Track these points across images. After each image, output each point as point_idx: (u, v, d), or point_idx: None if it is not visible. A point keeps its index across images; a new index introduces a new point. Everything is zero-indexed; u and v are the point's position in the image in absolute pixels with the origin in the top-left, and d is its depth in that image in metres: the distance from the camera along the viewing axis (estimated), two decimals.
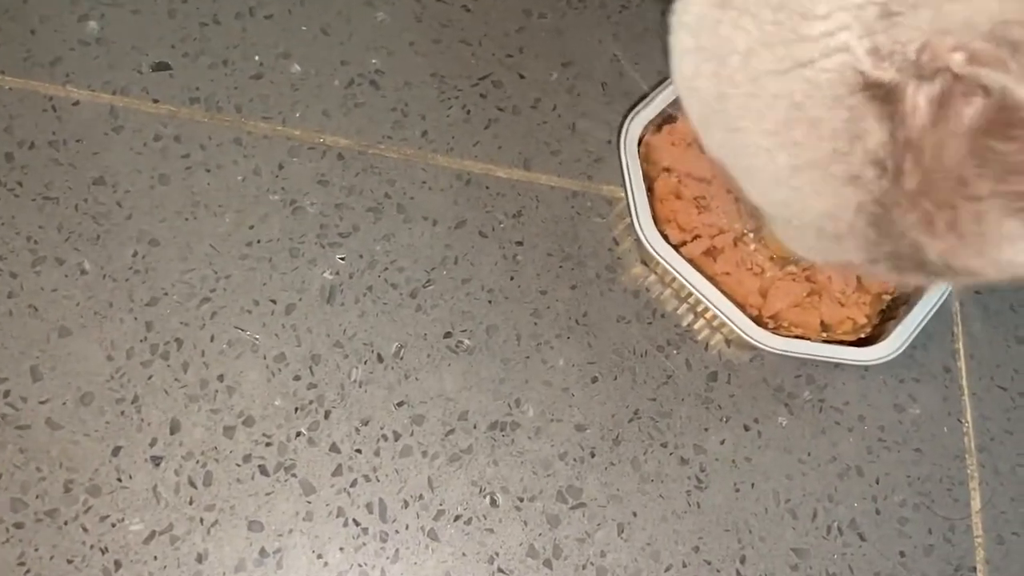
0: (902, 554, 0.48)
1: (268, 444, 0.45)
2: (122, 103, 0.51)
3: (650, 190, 0.51)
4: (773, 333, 0.47)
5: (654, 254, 0.48)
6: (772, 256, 0.50)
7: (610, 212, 0.54)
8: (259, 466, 0.45)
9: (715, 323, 0.50)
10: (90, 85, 0.51)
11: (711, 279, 0.48)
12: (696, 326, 0.51)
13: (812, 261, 0.38)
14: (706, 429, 0.49)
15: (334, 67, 0.54)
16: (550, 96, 0.56)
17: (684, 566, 0.46)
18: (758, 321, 0.48)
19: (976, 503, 0.50)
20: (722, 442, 0.49)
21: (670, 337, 0.51)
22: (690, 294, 0.48)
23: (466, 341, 0.49)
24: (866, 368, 0.51)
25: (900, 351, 0.47)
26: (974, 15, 0.23)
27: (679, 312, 0.52)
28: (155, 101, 0.52)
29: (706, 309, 0.48)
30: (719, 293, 0.47)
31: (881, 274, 0.31)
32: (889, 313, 0.50)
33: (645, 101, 0.52)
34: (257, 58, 0.54)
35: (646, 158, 0.52)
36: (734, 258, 0.50)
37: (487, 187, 0.53)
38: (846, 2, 0.25)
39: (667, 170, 0.52)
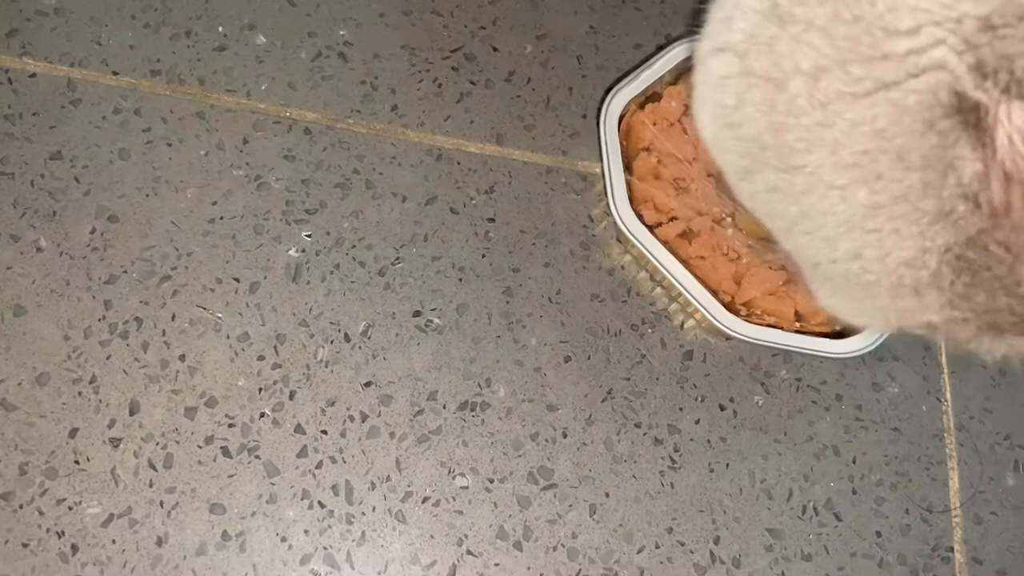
0: (878, 534, 0.47)
1: (231, 425, 0.44)
2: (80, 75, 0.50)
3: (628, 169, 0.50)
4: (745, 320, 0.46)
5: (628, 235, 0.47)
6: (750, 243, 0.49)
7: (585, 188, 0.52)
8: (221, 448, 0.44)
9: (689, 308, 0.49)
10: (47, 57, 0.50)
11: (685, 263, 0.47)
12: (671, 309, 0.50)
13: (880, 330, 0.34)
14: (681, 409, 0.48)
15: (301, 39, 0.53)
16: (524, 69, 0.55)
17: (657, 547, 0.45)
18: (730, 307, 0.47)
19: (954, 483, 0.49)
20: (697, 422, 0.48)
21: (645, 316, 0.50)
22: (664, 277, 0.47)
23: (436, 320, 0.48)
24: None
25: (875, 346, 0.46)
26: None
27: (654, 292, 0.50)
28: (115, 73, 0.50)
29: (680, 293, 0.47)
30: (692, 278, 0.46)
31: (969, 336, 0.27)
32: None
33: (629, 78, 0.51)
34: (221, 29, 0.52)
35: (626, 136, 0.50)
36: (710, 242, 0.49)
37: (458, 162, 0.52)
38: (938, 15, 0.22)
39: (647, 149, 0.51)
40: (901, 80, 0.23)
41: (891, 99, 0.24)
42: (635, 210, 0.48)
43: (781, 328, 0.46)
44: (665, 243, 0.48)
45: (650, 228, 0.48)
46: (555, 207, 0.52)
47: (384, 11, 0.54)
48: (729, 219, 0.50)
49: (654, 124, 0.51)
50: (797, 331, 0.47)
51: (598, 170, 0.53)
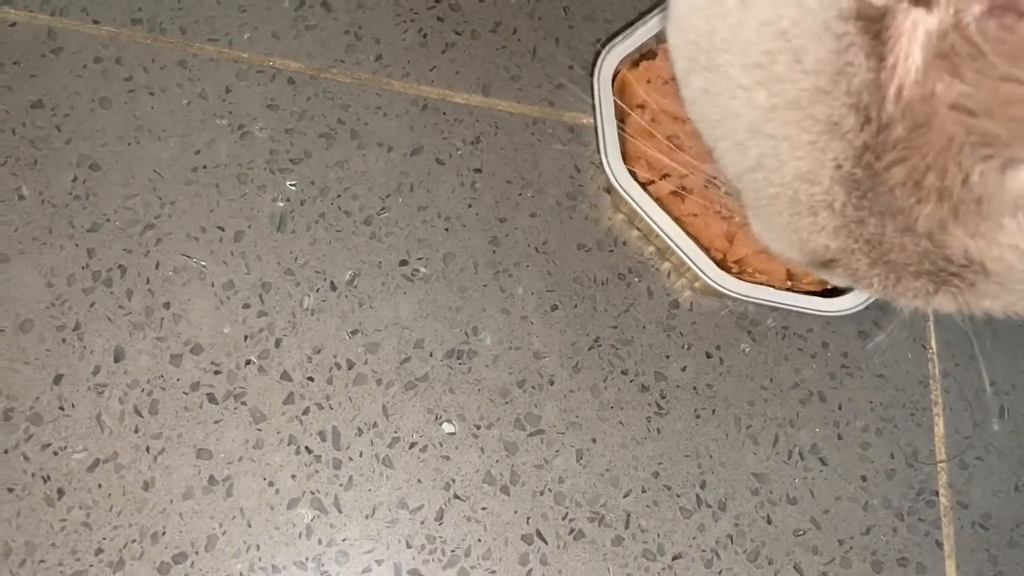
0: (863, 478, 0.48)
1: (217, 372, 0.44)
2: (61, 24, 0.49)
3: (621, 126, 0.49)
4: (736, 278, 0.46)
5: (622, 192, 0.47)
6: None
7: (572, 139, 0.52)
8: (207, 394, 0.44)
9: (681, 268, 0.49)
10: (27, 6, 0.49)
11: (678, 220, 0.47)
12: (662, 267, 0.50)
13: (793, 256, 0.34)
14: (667, 356, 0.48)
15: None
16: (510, 20, 0.54)
17: (643, 491, 0.46)
18: (722, 265, 0.46)
19: (940, 429, 0.49)
20: (683, 369, 0.48)
21: (632, 265, 0.50)
22: (656, 236, 0.47)
23: (422, 269, 0.48)
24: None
25: (865, 305, 0.46)
26: None
27: (641, 243, 0.50)
28: (95, 22, 0.49)
29: (672, 252, 0.47)
30: (684, 235, 0.46)
31: (864, 271, 0.27)
32: None
33: (624, 34, 0.50)
34: None
35: (620, 93, 0.50)
36: (703, 199, 0.49)
37: (444, 113, 0.51)
38: None
39: (641, 107, 0.50)
40: None
41: (794, 1, 0.23)
42: (628, 167, 0.48)
43: (772, 287, 0.46)
44: (658, 200, 0.47)
45: (643, 185, 0.48)
46: (541, 158, 0.51)
47: None
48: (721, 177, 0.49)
49: (647, 82, 0.51)
50: (788, 289, 0.47)
51: (585, 121, 0.53)
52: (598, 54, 0.49)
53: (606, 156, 0.47)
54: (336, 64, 0.51)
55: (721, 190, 0.49)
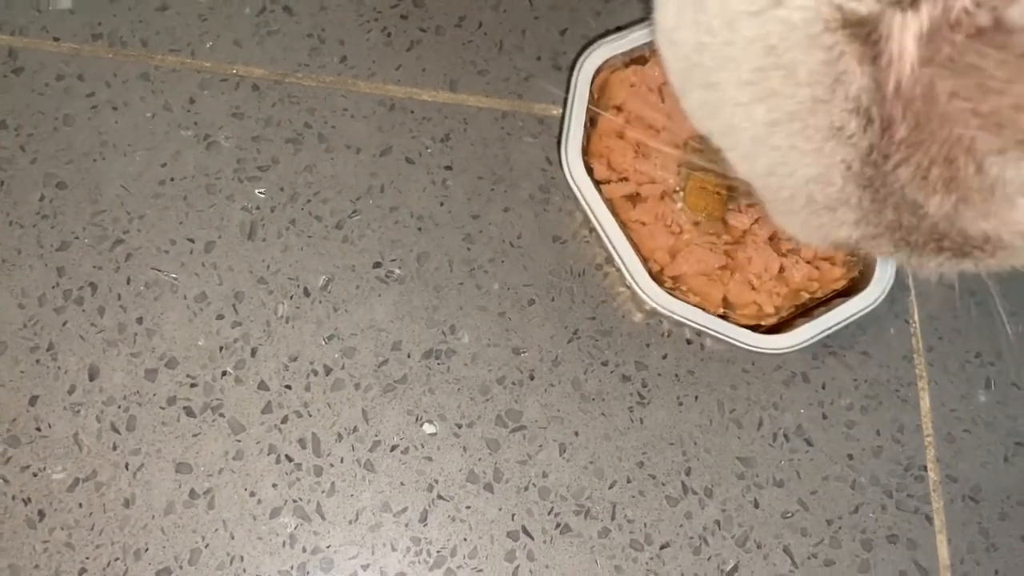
0: (850, 457, 0.47)
1: (193, 385, 0.44)
2: (21, 44, 0.49)
3: (593, 122, 0.49)
4: (669, 293, 0.45)
5: (571, 183, 0.46)
6: (696, 220, 0.48)
7: (542, 131, 0.52)
8: (184, 408, 0.44)
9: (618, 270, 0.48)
10: None
11: (624, 224, 0.46)
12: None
13: (815, 246, 0.34)
14: (647, 345, 0.48)
15: None
16: (475, 14, 0.54)
17: (629, 481, 0.45)
18: (657, 277, 0.46)
19: (925, 403, 0.49)
20: (664, 357, 0.48)
21: (608, 254, 0.50)
22: (597, 232, 0.46)
23: (396, 270, 0.48)
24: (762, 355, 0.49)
25: (798, 348, 0.45)
26: None
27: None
28: (56, 40, 0.49)
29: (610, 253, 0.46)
30: (624, 239, 0.45)
31: (889, 252, 0.27)
32: (805, 312, 0.47)
33: (617, 35, 0.49)
34: None
35: (601, 90, 0.49)
36: (655, 210, 0.48)
37: (412, 111, 0.51)
38: None
39: (618, 108, 0.50)
40: None
41: (780, 16, 0.24)
42: (587, 162, 0.48)
43: (704, 310, 0.45)
44: (608, 200, 0.47)
45: (598, 183, 0.47)
46: (512, 151, 0.51)
47: None
48: (680, 193, 0.48)
49: (631, 86, 0.50)
50: (722, 316, 0.45)
51: (555, 113, 0.52)
52: (585, 48, 0.49)
53: (565, 145, 0.47)
54: (300, 68, 0.51)
55: (677, 205, 0.48)
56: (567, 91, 0.48)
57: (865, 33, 0.22)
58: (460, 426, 0.45)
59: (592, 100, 0.48)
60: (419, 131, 0.51)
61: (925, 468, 0.48)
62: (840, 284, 0.48)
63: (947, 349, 0.50)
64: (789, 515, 0.46)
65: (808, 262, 0.48)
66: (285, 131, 0.49)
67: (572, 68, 0.48)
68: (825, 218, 0.27)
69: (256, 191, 0.48)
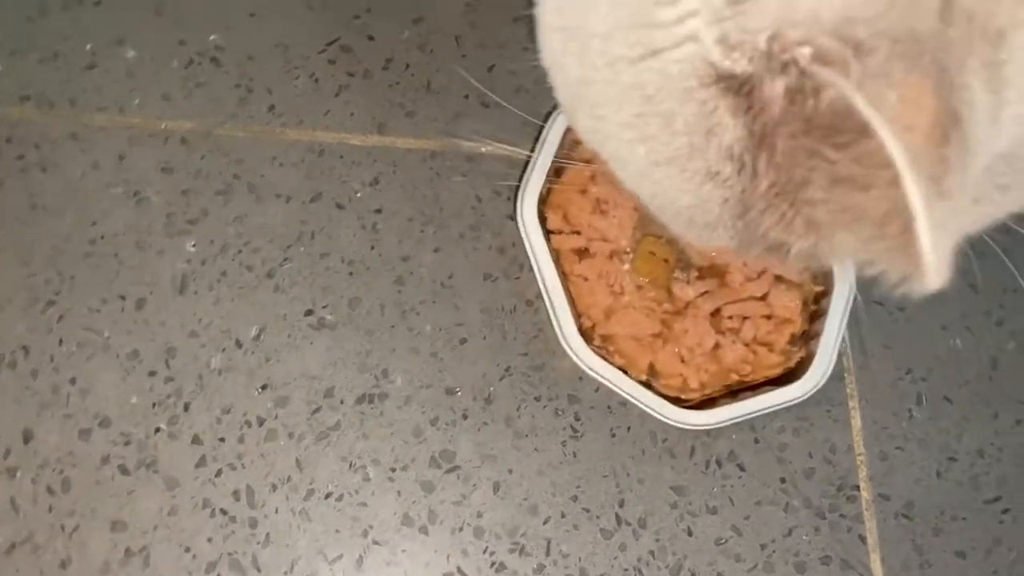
0: (783, 480, 0.48)
1: (127, 443, 0.45)
2: None
3: (559, 173, 0.49)
4: (594, 350, 0.46)
5: (520, 227, 0.47)
6: (639, 284, 0.48)
7: (471, 170, 0.52)
8: (119, 466, 0.44)
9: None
10: None
11: (565, 276, 0.47)
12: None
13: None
14: (580, 378, 0.49)
15: (171, 48, 0.52)
16: (402, 55, 0.54)
17: (563, 516, 0.46)
18: (586, 333, 0.46)
19: (857, 422, 0.50)
20: (596, 390, 0.48)
21: (538, 290, 0.50)
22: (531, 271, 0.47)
23: (328, 317, 0.48)
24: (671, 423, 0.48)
25: (713, 427, 0.46)
26: (820, 8, 0.21)
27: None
28: None
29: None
30: (562, 290, 0.46)
31: (759, 258, 0.30)
32: (731, 393, 0.48)
33: None
34: (89, 47, 0.52)
35: (576, 142, 0.50)
36: (600, 268, 0.48)
37: (341, 156, 0.52)
38: None
39: (588, 161, 0.50)
40: (666, 48, 0.24)
41: (657, 67, 0.24)
42: (543, 211, 0.48)
43: (626, 373, 0.46)
44: (556, 251, 0.48)
45: (549, 232, 0.48)
46: (442, 191, 0.52)
47: (254, 10, 0.54)
48: (628, 255, 0.49)
49: None
50: (643, 383, 0.46)
51: (483, 151, 0.53)
52: None
53: (524, 188, 0.48)
54: (229, 119, 0.51)
55: (624, 266, 0.49)
56: (536, 138, 0.49)
57: (738, 86, 0.23)
58: (394, 469, 0.46)
59: (566, 151, 0.49)
60: (349, 176, 0.51)
61: (858, 488, 0.48)
62: (774, 372, 0.48)
63: (878, 366, 0.51)
64: (723, 542, 0.47)
65: (746, 345, 0.48)
66: (215, 183, 0.50)
67: (547, 117, 0.50)
68: (704, 234, 0.29)
69: (187, 245, 0.49)
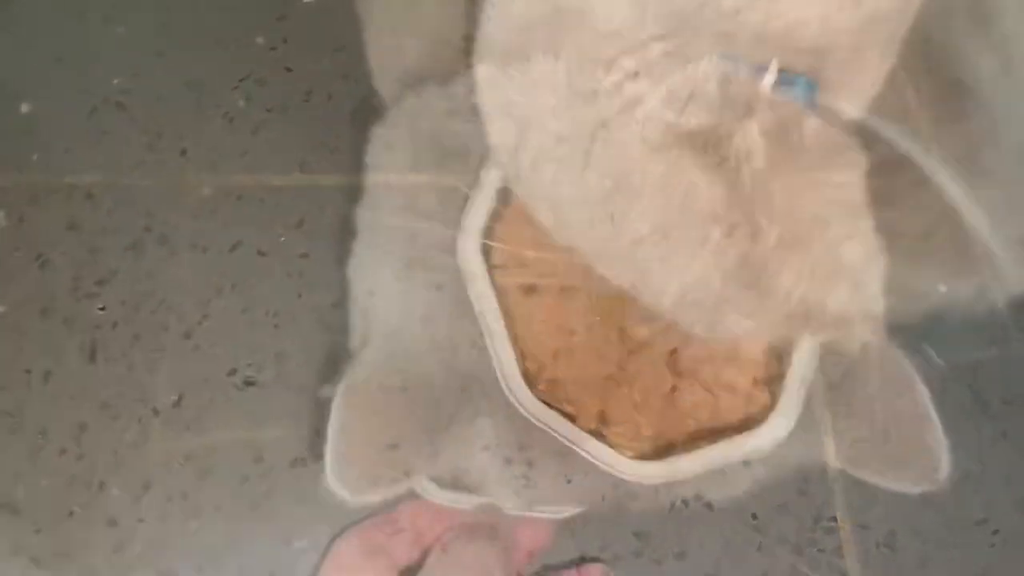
0: (754, 516, 0.45)
1: (37, 532, 0.41)
2: None
3: (505, 205, 0.45)
4: (538, 395, 0.42)
5: (460, 263, 0.43)
6: (591, 324, 0.43)
7: (404, 204, 0.49)
8: (31, 558, 0.41)
9: None
10: None
11: (508, 314, 0.43)
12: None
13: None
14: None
15: (72, 98, 0.49)
16: (323, 86, 0.51)
17: None
18: (530, 378, 0.42)
19: (831, 448, 0.46)
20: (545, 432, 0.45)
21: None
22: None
23: (254, 375, 0.45)
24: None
25: (667, 481, 0.42)
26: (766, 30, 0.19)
27: None
28: None
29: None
30: (503, 332, 0.42)
31: (786, 328, 0.27)
32: (690, 439, 0.43)
33: None
34: None
35: None
36: (549, 306, 0.44)
37: (262, 200, 0.48)
38: (629, 41, 0.21)
39: None
40: (612, 117, 0.21)
41: (607, 137, 0.22)
42: (486, 244, 0.44)
43: (574, 421, 0.42)
44: (500, 288, 0.43)
45: (492, 267, 0.44)
46: None
47: (161, 49, 0.51)
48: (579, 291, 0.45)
49: None
50: (592, 432, 0.42)
51: (418, 182, 0.49)
52: None
53: (464, 221, 0.44)
54: (137, 167, 0.48)
55: (575, 304, 0.44)
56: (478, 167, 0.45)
57: (702, 141, 0.20)
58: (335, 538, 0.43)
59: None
60: (271, 220, 0.48)
61: (835, 519, 0.45)
62: (736, 417, 0.43)
63: (850, 386, 0.48)
64: None
65: (706, 389, 0.44)
66: (124, 238, 0.47)
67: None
68: (711, 316, 0.27)
69: (95, 309, 0.45)
